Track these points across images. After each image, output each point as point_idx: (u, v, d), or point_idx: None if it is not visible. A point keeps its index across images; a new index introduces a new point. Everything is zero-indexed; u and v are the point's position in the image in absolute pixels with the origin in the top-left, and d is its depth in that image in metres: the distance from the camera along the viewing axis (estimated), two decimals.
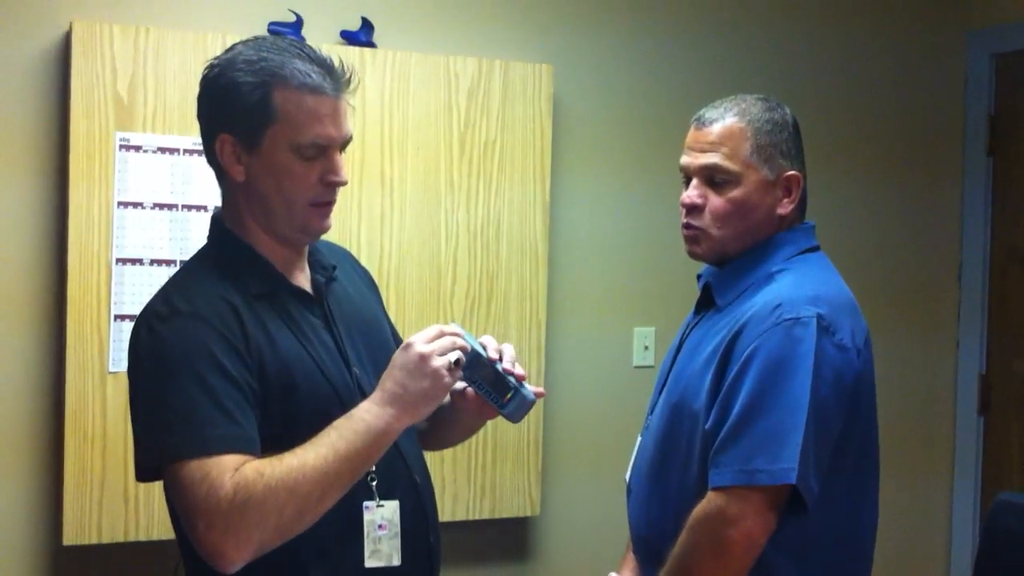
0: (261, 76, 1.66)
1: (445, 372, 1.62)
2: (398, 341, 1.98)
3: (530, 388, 1.72)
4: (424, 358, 1.62)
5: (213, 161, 1.74)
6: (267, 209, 1.71)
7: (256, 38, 1.75)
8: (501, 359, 1.71)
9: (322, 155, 1.69)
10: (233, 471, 1.55)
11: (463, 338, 1.67)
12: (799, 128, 2.02)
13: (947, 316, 3.80)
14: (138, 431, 1.66)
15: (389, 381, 1.63)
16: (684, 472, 1.91)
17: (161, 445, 1.59)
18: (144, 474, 1.67)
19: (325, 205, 1.73)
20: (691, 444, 1.90)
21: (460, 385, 1.74)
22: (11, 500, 2.76)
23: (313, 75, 1.67)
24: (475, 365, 1.69)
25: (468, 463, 3.07)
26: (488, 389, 1.70)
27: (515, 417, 1.72)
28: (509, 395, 1.70)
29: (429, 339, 1.64)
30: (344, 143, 1.73)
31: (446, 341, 1.64)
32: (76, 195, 2.69)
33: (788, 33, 3.58)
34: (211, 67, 1.72)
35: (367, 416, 1.61)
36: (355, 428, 1.60)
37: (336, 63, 1.72)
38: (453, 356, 1.63)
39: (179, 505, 1.59)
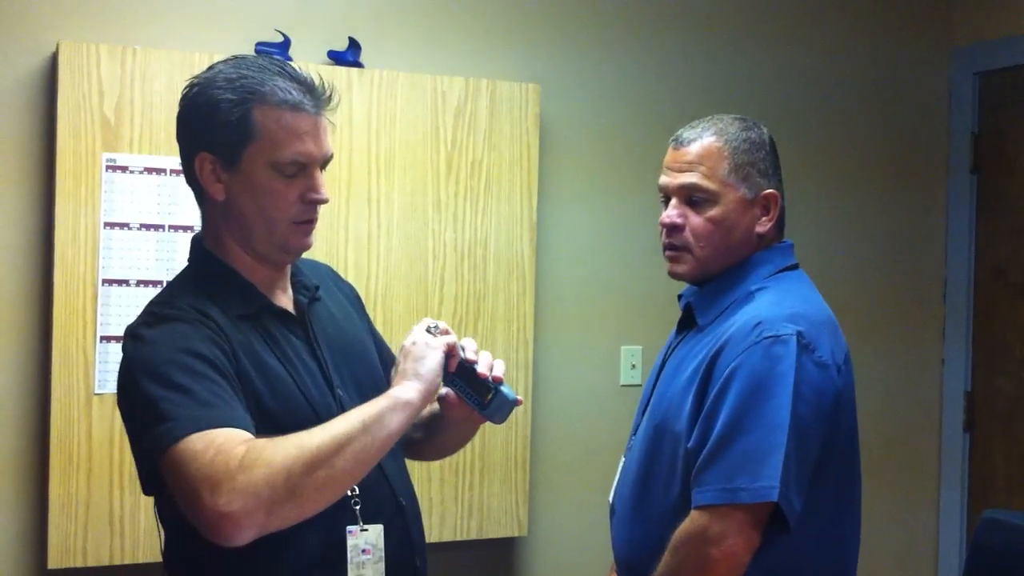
0: (241, 94, 1.66)
1: (425, 334, 1.68)
2: (387, 354, 1.98)
3: (509, 389, 1.73)
4: (403, 344, 1.69)
5: (192, 181, 1.73)
6: (247, 228, 1.70)
7: (236, 57, 1.75)
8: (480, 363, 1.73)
9: (302, 173, 1.69)
10: (242, 443, 1.49)
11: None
12: (776, 147, 2.04)
13: (932, 334, 3.82)
14: (137, 434, 1.60)
15: (394, 377, 1.68)
16: (666, 492, 1.92)
17: (160, 434, 1.52)
18: (149, 482, 1.61)
19: (306, 223, 1.72)
20: (673, 464, 1.91)
21: (443, 390, 1.76)
22: None
23: (293, 92, 1.67)
24: (455, 369, 1.72)
25: (455, 483, 3.06)
26: (468, 391, 1.72)
27: (496, 418, 1.74)
28: (489, 396, 1.72)
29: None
30: (325, 161, 1.72)
31: (420, 325, 1.72)
32: (62, 215, 2.68)
33: (773, 52, 3.60)
34: (191, 86, 1.72)
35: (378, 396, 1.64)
36: (368, 402, 1.61)
37: (317, 81, 1.72)
38: (429, 323, 1.71)
39: (181, 483, 1.49)
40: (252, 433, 1.54)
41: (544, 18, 3.30)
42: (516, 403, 1.74)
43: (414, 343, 1.68)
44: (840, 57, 3.69)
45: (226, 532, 1.45)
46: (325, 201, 1.72)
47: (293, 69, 1.72)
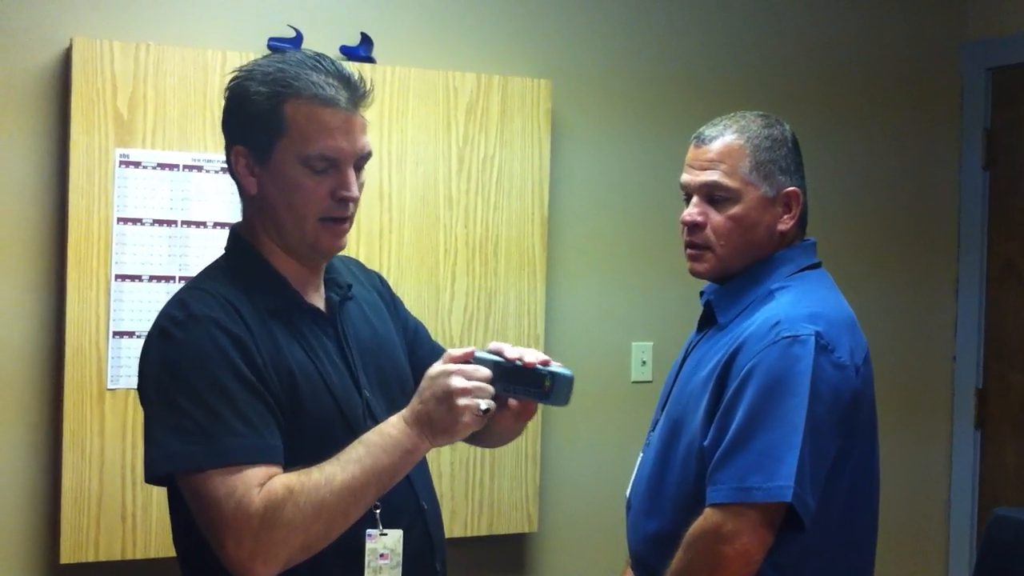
0: (273, 87, 1.66)
1: (469, 415, 1.59)
2: (420, 333, 1.97)
3: (561, 367, 1.68)
4: (452, 393, 1.59)
5: (232, 173, 1.74)
6: (278, 224, 1.70)
7: (281, 52, 1.76)
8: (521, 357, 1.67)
9: (333, 169, 1.67)
10: (259, 486, 1.54)
11: (484, 365, 1.64)
12: (798, 144, 2.03)
13: (944, 330, 3.81)
14: (154, 435, 1.61)
15: (420, 403, 1.62)
16: (681, 489, 1.92)
17: (179, 453, 1.56)
18: (154, 479, 1.65)
19: (337, 222, 1.70)
20: (688, 461, 1.91)
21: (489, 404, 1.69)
22: (9, 518, 2.75)
23: (327, 87, 1.66)
24: (502, 378, 1.65)
25: (466, 479, 3.07)
26: (526, 389, 1.67)
27: (562, 400, 1.68)
28: (547, 383, 1.66)
29: (467, 375, 1.61)
30: (360, 158, 1.70)
31: (482, 387, 1.61)
32: (76, 211, 2.68)
33: (782, 47, 3.58)
34: (233, 77, 1.72)
35: (394, 432, 1.61)
36: (383, 445, 1.60)
37: (356, 77, 1.71)
38: (484, 405, 1.61)
39: (203, 518, 1.57)
40: (276, 458, 1.58)
41: (555, 13, 3.29)
42: (572, 379, 1.68)
43: (460, 410, 1.59)
44: (852, 52, 3.68)
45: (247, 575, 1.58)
46: (354, 198, 1.70)
47: (332, 64, 1.70)
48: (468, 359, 1.64)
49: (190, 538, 1.69)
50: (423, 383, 1.63)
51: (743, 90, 3.48)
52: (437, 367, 1.63)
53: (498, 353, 1.66)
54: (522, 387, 1.66)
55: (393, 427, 1.62)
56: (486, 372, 1.62)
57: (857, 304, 2.04)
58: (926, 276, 3.79)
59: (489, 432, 1.83)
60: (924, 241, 3.79)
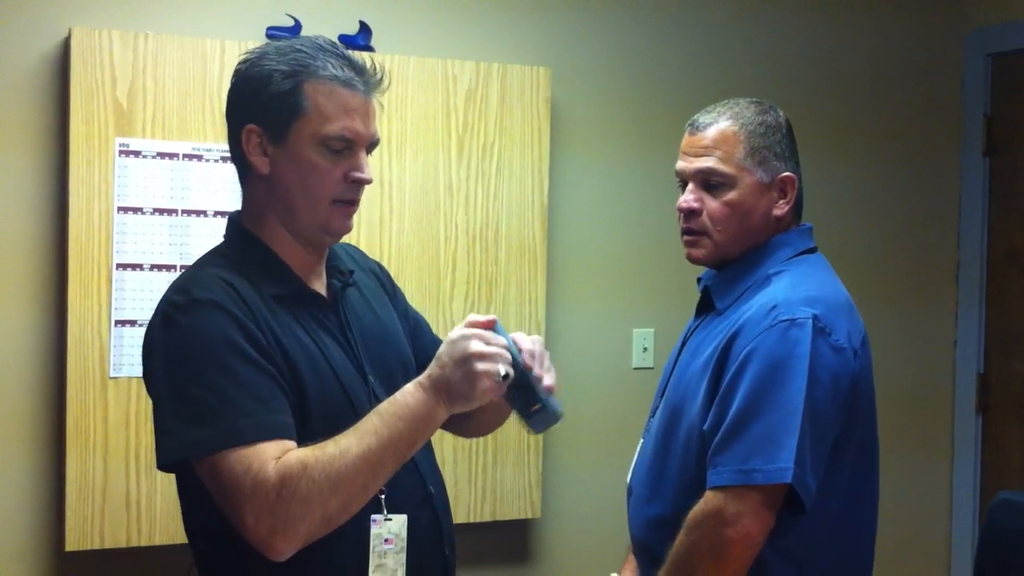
0: (293, 66, 1.67)
1: (488, 381, 1.56)
2: (420, 325, 1.97)
3: (557, 401, 1.63)
4: (471, 357, 1.56)
5: (237, 155, 1.73)
6: (289, 205, 1.70)
7: (288, 37, 1.77)
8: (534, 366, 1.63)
9: (348, 151, 1.69)
10: (275, 460, 1.53)
11: (505, 342, 1.60)
12: (792, 129, 2.04)
13: (945, 316, 3.81)
14: (165, 422, 1.61)
15: (436, 368, 1.59)
16: (682, 474, 1.93)
17: (192, 439, 1.56)
18: (168, 466, 1.64)
19: (348, 205, 1.71)
20: (689, 446, 1.92)
21: None
22: (14, 506, 2.77)
23: (345, 69, 1.68)
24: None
25: (469, 465, 3.08)
26: (516, 395, 1.62)
27: (538, 428, 1.64)
28: (536, 407, 1.62)
29: (486, 340, 1.58)
30: (371, 144, 1.72)
31: (501, 353, 1.58)
32: (76, 201, 2.69)
33: (785, 34, 3.59)
34: (243, 60, 1.72)
35: (411, 401, 1.58)
36: (399, 414, 1.58)
37: (368, 64, 1.73)
38: (503, 370, 1.57)
39: (222, 497, 1.57)
40: (290, 434, 1.58)
41: (554, 1, 3.29)
42: (559, 418, 1.63)
43: (479, 375, 1.56)
44: (853, 38, 3.67)
45: (271, 553, 1.56)
46: (369, 181, 1.72)
47: (345, 50, 1.73)
48: (490, 327, 1.60)
49: (200, 523, 1.70)
50: (442, 347, 1.59)
51: (742, 77, 3.48)
52: (457, 331, 1.60)
53: (515, 342, 1.62)
54: (515, 391, 1.61)
55: (409, 395, 1.59)
56: (504, 340, 1.60)
57: (858, 290, 2.05)
58: (927, 262, 3.80)
59: (470, 422, 1.85)
60: (925, 227, 3.79)
